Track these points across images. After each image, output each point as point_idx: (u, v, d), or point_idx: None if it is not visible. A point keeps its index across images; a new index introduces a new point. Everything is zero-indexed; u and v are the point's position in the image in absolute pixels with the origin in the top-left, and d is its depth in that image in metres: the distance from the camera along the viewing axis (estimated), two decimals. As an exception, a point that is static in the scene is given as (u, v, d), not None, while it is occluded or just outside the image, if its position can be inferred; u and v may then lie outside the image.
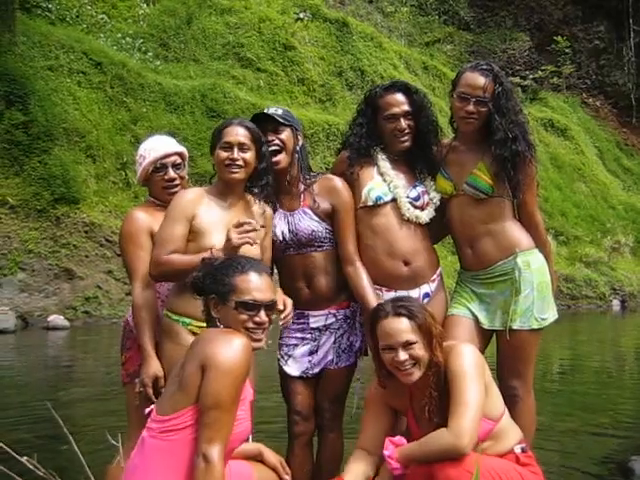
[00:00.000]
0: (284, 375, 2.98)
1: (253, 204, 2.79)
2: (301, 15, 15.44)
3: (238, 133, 2.73)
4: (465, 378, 2.38)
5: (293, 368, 2.95)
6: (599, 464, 3.79)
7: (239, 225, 2.50)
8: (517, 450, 2.51)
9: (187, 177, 3.03)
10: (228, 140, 2.72)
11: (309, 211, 2.92)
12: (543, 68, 20.39)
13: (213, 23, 14.72)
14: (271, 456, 2.48)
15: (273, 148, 2.89)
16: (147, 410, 2.28)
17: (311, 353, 2.95)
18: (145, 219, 2.86)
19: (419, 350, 2.41)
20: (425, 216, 2.99)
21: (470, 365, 2.41)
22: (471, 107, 2.93)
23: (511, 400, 2.81)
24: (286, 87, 14.23)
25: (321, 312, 2.95)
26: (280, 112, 2.96)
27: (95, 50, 11.85)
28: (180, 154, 2.98)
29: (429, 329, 2.45)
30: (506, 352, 2.97)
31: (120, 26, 13.85)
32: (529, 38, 21.43)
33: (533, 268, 2.95)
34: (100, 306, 9.71)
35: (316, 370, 2.95)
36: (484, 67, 2.98)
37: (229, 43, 14.51)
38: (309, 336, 2.95)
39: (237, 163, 2.71)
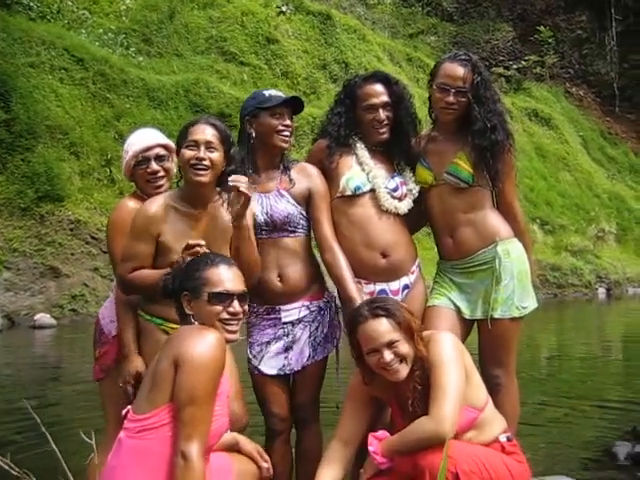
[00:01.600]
0: (257, 375, 2.88)
1: (222, 209, 2.65)
2: (284, 8, 15.39)
3: (205, 131, 2.60)
4: (443, 365, 2.38)
5: (268, 367, 2.85)
6: (585, 450, 3.83)
7: (189, 247, 2.43)
8: (502, 439, 2.51)
9: (174, 170, 2.94)
10: (195, 138, 2.59)
11: (285, 193, 2.86)
12: (526, 58, 20.46)
13: (195, 17, 14.65)
14: (247, 444, 2.44)
15: (286, 135, 2.86)
16: (124, 411, 2.24)
17: (287, 349, 2.86)
18: (135, 209, 2.80)
19: (403, 347, 2.40)
20: (404, 207, 2.95)
21: (448, 352, 2.42)
22: (451, 98, 2.92)
23: (494, 389, 2.82)
24: (270, 80, 14.18)
25: (294, 305, 2.86)
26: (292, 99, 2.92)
27: (77, 46, 11.77)
28: (164, 146, 2.90)
29: (409, 325, 2.44)
30: (488, 341, 2.97)
31: (102, 21, 13.75)
32: (512, 28, 21.49)
33: (513, 257, 2.95)
34: (87, 304, 9.67)
35: (293, 367, 2.87)
36: (463, 57, 2.97)
37: (212, 37, 14.45)
38: (281, 332, 2.85)
39: (204, 163, 2.57)
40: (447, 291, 3.02)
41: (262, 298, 2.81)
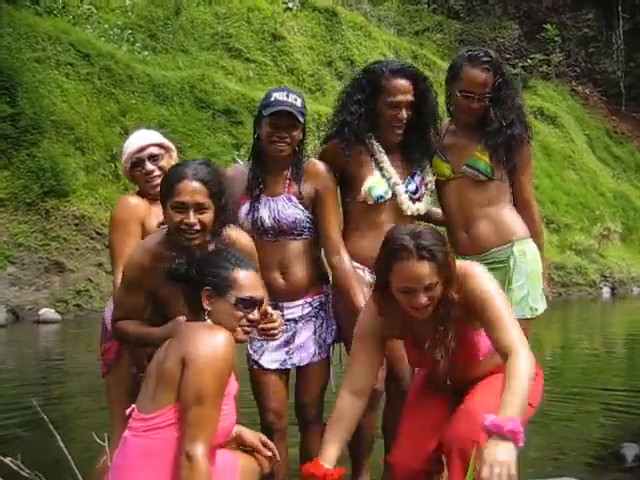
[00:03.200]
0: (256, 370, 2.84)
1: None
2: (290, 5, 15.35)
3: (194, 190, 2.33)
4: (492, 297, 2.30)
5: (268, 361, 2.81)
6: (591, 451, 3.81)
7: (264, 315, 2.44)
8: None
9: None
10: (182, 200, 2.32)
11: (293, 198, 2.82)
12: (532, 56, 20.40)
13: (201, 13, 14.62)
14: (249, 435, 2.41)
15: (281, 145, 2.76)
16: (128, 410, 2.20)
17: (287, 343, 2.82)
18: (137, 207, 2.79)
19: (436, 290, 2.27)
20: (423, 207, 2.94)
21: (489, 284, 2.35)
22: (476, 104, 2.92)
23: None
24: (276, 77, 14.16)
25: (297, 302, 2.84)
26: (299, 103, 2.79)
27: (82, 41, 11.75)
28: (159, 145, 2.87)
29: (449, 270, 2.28)
30: None
31: (108, 17, 13.73)
32: (518, 26, 21.42)
33: (528, 258, 2.94)
34: (91, 299, 9.67)
35: (294, 360, 2.83)
36: (484, 59, 2.91)
37: (218, 33, 14.42)
38: (283, 328, 2.74)
39: (194, 228, 2.34)
40: None
41: None
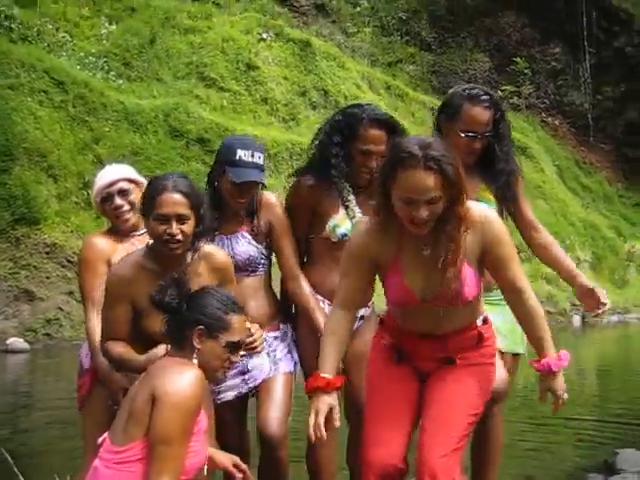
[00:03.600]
0: (216, 405, 2.75)
1: (195, 269, 2.55)
2: (264, 35, 15.52)
3: (175, 202, 2.42)
4: (509, 240, 2.37)
5: (226, 392, 2.81)
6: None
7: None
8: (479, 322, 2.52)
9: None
10: (164, 212, 2.41)
11: (247, 235, 2.87)
12: (503, 88, 20.74)
13: (176, 42, 14.71)
14: (222, 457, 2.41)
15: (243, 202, 2.83)
16: (100, 439, 2.23)
17: (243, 373, 2.82)
18: (104, 246, 2.85)
19: (438, 206, 2.19)
20: None
21: (505, 229, 2.41)
22: (478, 144, 2.92)
23: (487, 420, 2.80)
24: (250, 106, 14.25)
25: None
26: (262, 160, 2.84)
27: (57, 69, 11.74)
28: (129, 179, 2.89)
29: (457, 186, 2.20)
30: None
31: (83, 45, 13.76)
32: (489, 59, 21.80)
33: None
34: (61, 328, 9.56)
35: (251, 385, 2.82)
36: (484, 98, 2.93)
37: (192, 63, 14.50)
38: (263, 340, 2.72)
39: (176, 238, 2.43)
40: None
41: None
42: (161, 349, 2.41)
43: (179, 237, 2.43)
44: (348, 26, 20.25)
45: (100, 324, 2.61)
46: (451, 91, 3.11)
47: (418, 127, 15.94)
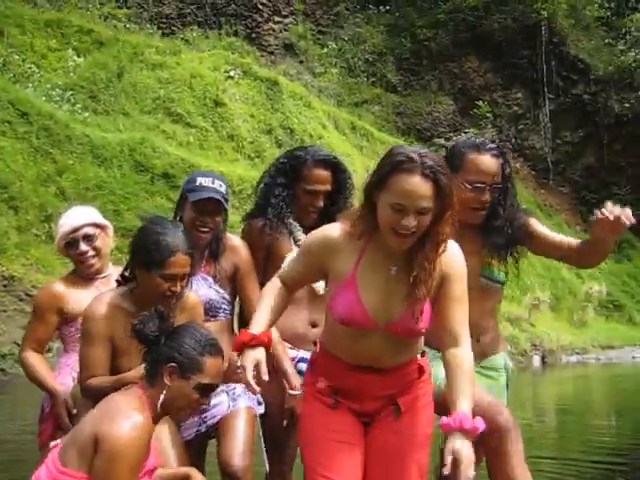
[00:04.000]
0: None
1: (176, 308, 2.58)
2: (232, 73, 15.67)
3: (185, 264, 2.51)
4: (465, 279, 2.23)
5: (185, 433, 2.74)
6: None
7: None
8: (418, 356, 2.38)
9: (108, 248, 2.93)
10: (174, 273, 2.47)
11: (209, 277, 2.85)
12: (466, 131, 21.14)
13: (144, 77, 14.76)
14: (199, 478, 2.40)
15: (205, 230, 2.80)
16: (52, 443, 2.23)
17: (201, 411, 2.73)
18: (58, 296, 2.87)
19: (426, 219, 2.09)
20: None
21: (465, 267, 2.26)
22: (487, 196, 2.67)
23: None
24: (216, 143, 14.31)
25: None
26: (223, 189, 2.85)
27: (22, 100, 11.69)
28: (94, 224, 2.89)
29: (447, 201, 2.10)
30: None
31: (49, 77, 13.73)
32: (453, 102, 22.29)
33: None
34: (17, 363, 9.33)
35: (209, 423, 2.77)
36: (491, 147, 2.72)
37: (160, 98, 14.55)
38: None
39: (175, 294, 2.51)
40: None
41: None
42: (138, 374, 2.38)
43: (178, 293, 2.51)
44: (315, 66, 20.57)
45: (80, 364, 2.58)
46: (452, 143, 2.91)
47: (382, 167, 16.11)
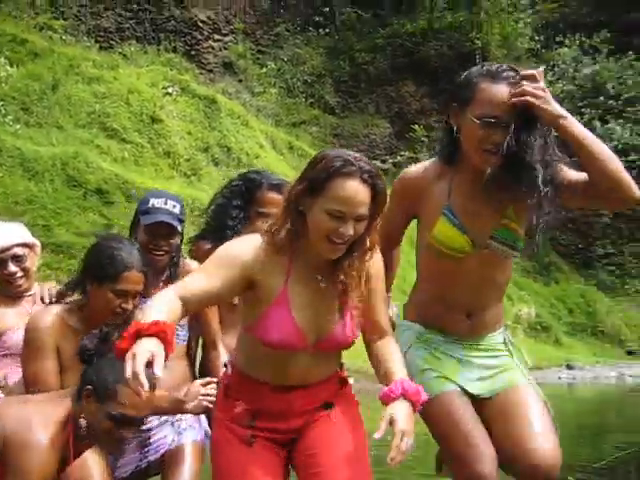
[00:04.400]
0: None
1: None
2: (170, 89, 15.57)
3: (139, 281, 2.47)
4: (383, 278, 2.19)
5: (122, 470, 2.63)
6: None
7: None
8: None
9: (35, 266, 2.87)
10: (126, 289, 2.45)
11: None
12: (402, 154, 21.56)
13: (79, 91, 14.51)
14: None
15: (159, 253, 2.76)
16: None
17: (143, 446, 2.68)
18: None
19: (361, 226, 1.99)
20: None
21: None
22: (500, 136, 2.15)
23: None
24: (151, 159, 14.15)
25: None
26: (178, 210, 2.81)
27: (-51, 110, 11.35)
28: (23, 244, 2.83)
29: (382, 206, 2.03)
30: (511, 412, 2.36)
31: (-21, 87, 13.38)
32: (389, 125, 22.68)
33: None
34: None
35: (151, 458, 2.67)
36: (508, 73, 2.19)
37: (95, 112, 14.32)
38: (138, 434, 2.57)
39: (126, 311, 2.47)
40: (452, 372, 2.39)
41: None
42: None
43: (129, 310, 2.46)
44: (254, 86, 20.63)
45: (26, 380, 2.51)
46: (465, 73, 2.36)
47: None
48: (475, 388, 2.39)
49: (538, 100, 2.12)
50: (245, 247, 2.07)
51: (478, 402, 2.37)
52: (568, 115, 2.16)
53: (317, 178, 1.98)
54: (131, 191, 11.38)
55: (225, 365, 2.31)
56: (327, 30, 22.83)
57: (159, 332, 1.78)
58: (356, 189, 1.94)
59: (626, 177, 2.11)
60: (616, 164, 2.11)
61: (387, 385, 2.00)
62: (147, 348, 1.74)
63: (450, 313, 2.40)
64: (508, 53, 24.13)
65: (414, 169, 2.47)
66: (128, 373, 1.71)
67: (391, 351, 2.14)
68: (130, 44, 18.73)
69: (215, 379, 2.52)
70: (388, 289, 2.46)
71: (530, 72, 2.17)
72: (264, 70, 21.34)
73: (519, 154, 2.16)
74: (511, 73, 2.20)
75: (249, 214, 2.95)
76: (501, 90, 2.17)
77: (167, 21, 20.03)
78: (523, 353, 2.53)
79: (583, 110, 21.90)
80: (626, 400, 12.36)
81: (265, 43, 22.13)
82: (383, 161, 21.06)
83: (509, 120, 2.15)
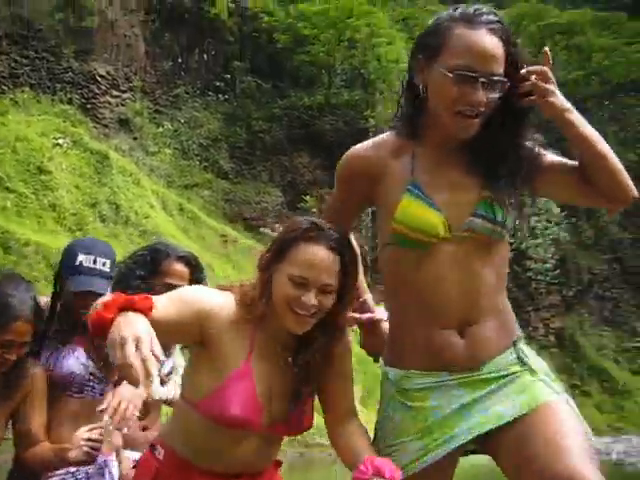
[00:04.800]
0: None
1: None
2: (61, 141, 15.22)
3: (25, 332, 2.39)
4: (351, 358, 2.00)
5: None
6: None
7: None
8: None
9: None
10: (11, 339, 2.35)
11: (80, 350, 2.68)
12: (293, 223, 21.94)
13: (-38, 135, 13.97)
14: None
15: (84, 312, 2.63)
16: None
17: None
18: None
19: (329, 300, 1.83)
20: (171, 390, 2.85)
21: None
22: (481, 95, 1.74)
23: None
24: (36, 211, 13.67)
25: (58, 472, 2.53)
26: (108, 267, 2.69)
27: None
28: None
29: (352, 281, 1.91)
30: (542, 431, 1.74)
31: None
32: (282, 194, 23.04)
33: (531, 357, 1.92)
34: None
35: None
36: (489, 18, 1.78)
37: (-22, 157, 13.78)
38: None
39: (9, 362, 2.39)
40: (448, 427, 1.83)
41: None
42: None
43: (12, 361, 2.38)
44: (149, 145, 20.51)
45: None
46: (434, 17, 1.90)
47: (208, 251, 16.17)
48: (479, 426, 1.81)
49: (548, 95, 1.76)
50: (215, 298, 1.87)
51: (491, 440, 1.82)
52: (573, 108, 1.79)
53: (284, 242, 1.83)
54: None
55: (153, 447, 1.98)
56: (226, 96, 23.17)
57: (150, 308, 1.66)
58: (321, 255, 1.79)
59: (626, 177, 1.82)
60: (618, 164, 1.81)
61: (356, 466, 1.79)
62: (145, 330, 1.57)
63: (435, 332, 1.84)
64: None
65: (362, 146, 2.01)
66: (132, 357, 1.51)
67: (364, 435, 1.96)
68: (23, 91, 18.25)
69: (103, 423, 2.36)
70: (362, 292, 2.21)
71: (539, 68, 1.77)
72: (160, 130, 21.28)
73: (499, 123, 1.80)
74: (491, 17, 1.78)
75: (153, 286, 2.92)
76: (481, 37, 1.74)
77: (65, 72, 19.71)
78: (546, 366, 1.91)
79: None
80: None
81: (163, 103, 22.15)
82: (272, 229, 21.27)
83: (490, 76, 1.74)
